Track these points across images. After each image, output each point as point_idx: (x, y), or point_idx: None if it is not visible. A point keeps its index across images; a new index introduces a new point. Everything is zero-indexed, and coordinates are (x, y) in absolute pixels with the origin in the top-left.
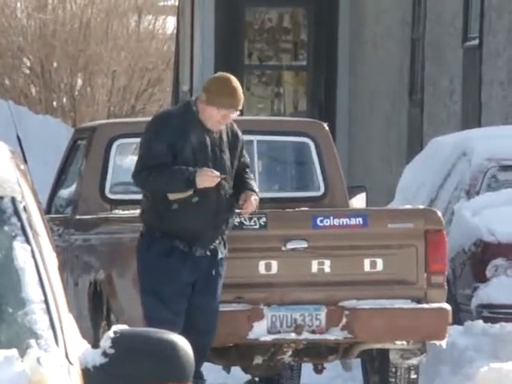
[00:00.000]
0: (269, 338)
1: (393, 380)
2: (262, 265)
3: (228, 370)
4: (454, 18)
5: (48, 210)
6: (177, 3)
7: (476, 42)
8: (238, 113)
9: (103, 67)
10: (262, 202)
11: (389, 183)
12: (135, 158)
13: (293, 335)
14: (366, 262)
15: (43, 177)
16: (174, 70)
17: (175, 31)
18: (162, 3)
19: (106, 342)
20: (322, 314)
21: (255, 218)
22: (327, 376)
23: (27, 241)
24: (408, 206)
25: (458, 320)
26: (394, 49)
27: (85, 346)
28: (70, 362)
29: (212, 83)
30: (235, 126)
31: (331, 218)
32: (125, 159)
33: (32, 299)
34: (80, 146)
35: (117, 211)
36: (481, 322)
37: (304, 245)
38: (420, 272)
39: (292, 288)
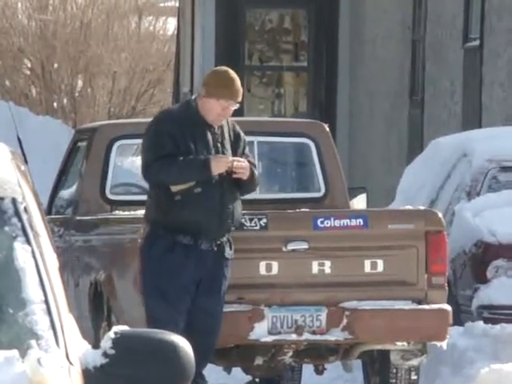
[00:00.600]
0: (269, 338)
1: (393, 381)
2: (262, 266)
3: (229, 371)
4: (454, 19)
5: (49, 211)
6: (177, 4)
7: (476, 42)
8: (238, 105)
9: (104, 68)
10: (263, 202)
11: (389, 184)
12: (136, 159)
13: (293, 336)
14: (367, 263)
15: (44, 178)
16: (175, 71)
17: (176, 32)
18: (162, 4)
19: (106, 342)
20: (323, 314)
21: (256, 219)
22: (328, 377)
23: (28, 241)
24: (408, 207)
25: (458, 321)
26: (395, 50)
27: (85, 346)
28: (71, 363)
29: (210, 76)
30: (237, 127)
31: (332, 219)
32: (125, 160)
33: (32, 300)
34: (80, 147)
35: (117, 212)
36: (481, 322)
37: (304, 246)
38: (420, 273)
39: (293, 289)
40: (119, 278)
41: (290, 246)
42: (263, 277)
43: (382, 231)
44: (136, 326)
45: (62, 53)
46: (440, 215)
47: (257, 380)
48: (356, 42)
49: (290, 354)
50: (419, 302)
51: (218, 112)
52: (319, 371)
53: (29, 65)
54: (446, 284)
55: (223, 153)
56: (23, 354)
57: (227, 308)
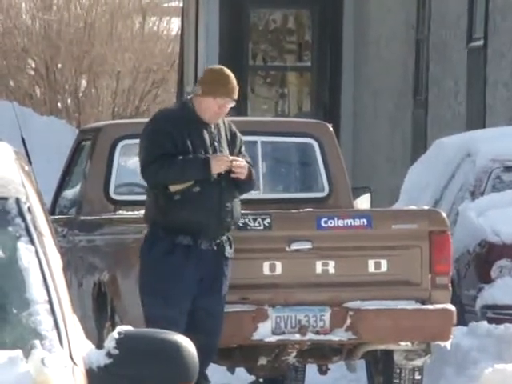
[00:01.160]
0: (273, 338)
1: (397, 381)
2: (266, 266)
3: (232, 371)
4: (458, 19)
5: (52, 211)
6: (181, 4)
7: (481, 42)
8: (234, 103)
9: (108, 68)
10: (267, 202)
11: (393, 184)
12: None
13: (297, 336)
14: (371, 263)
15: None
16: (179, 71)
17: (180, 32)
18: (166, 4)
19: (110, 342)
20: (327, 314)
21: (259, 219)
22: (331, 377)
23: (31, 241)
24: (412, 207)
25: (462, 321)
26: (399, 50)
27: (89, 346)
28: (75, 363)
29: (206, 75)
30: (233, 127)
31: (335, 218)
32: (129, 160)
33: (36, 300)
34: (84, 147)
35: (121, 212)
36: (485, 322)
37: (308, 246)
38: (424, 273)
39: (296, 289)
40: (123, 278)
41: (294, 246)
42: (267, 277)
43: (386, 231)
44: (140, 326)
45: (65, 53)
46: (444, 215)
47: (260, 380)
48: (360, 42)
49: (294, 354)
50: (423, 302)
51: (214, 110)
52: (323, 371)
53: (33, 65)
54: (450, 284)
55: (220, 152)
56: (27, 354)
57: (231, 308)
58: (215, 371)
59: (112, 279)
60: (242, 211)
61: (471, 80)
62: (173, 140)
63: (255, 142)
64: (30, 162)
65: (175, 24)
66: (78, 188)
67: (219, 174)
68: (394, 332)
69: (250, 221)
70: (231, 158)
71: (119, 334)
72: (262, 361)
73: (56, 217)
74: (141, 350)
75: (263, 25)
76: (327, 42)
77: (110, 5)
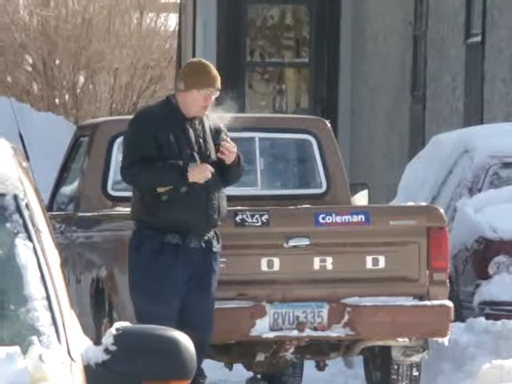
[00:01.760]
0: (271, 334)
1: (395, 377)
2: (264, 262)
3: (230, 367)
4: (456, 15)
5: (50, 208)
6: (179, 0)
7: (478, 38)
8: (218, 93)
9: (105, 64)
10: (265, 199)
11: (391, 180)
12: None
13: (295, 332)
14: (368, 259)
15: (45, 174)
16: (176, 67)
17: (177, 28)
18: (163, 0)
19: (108, 338)
20: (324, 311)
21: (257, 216)
22: (329, 373)
23: (29, 238)
24: (410, 203)
25: (460, 317)
26: (396, 45)
27: (87, 342)
28: (72, 359)
29: (186, 69)
30: (217, 121)
31: (333, 215)
32: None
33: (34, 296)
34: (82, 144)
35: (119, 208)
36: (483, 319)
37: (306, 242)
38: (422, 269)
39: (294, 285)
40: (121, 274)
41: (292, 243)
42: (265, 273)
43: (384, 227)
44: (137, 322)
45: (63, 49)
46: (442, 211)
47: (258, 376)
48: (358, 38)
49: (292, 350)
50: (421, 298)
51: (200, 103)
52: (321, 367)
53: (30, 61)
54: (448, 280)
55: (206, 147)
56: (25, 351)
57: (228, 304)
58: (213, 367)
59: (110, 275)
60: (240, 208)
61: (469, 76)
62: (156, 140)
63: (253, 139)
64: (27, 158)
65: (173, 20)
66: (75, 184)
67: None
68: (392, 328)
69: (247, 217)
70: (210, 168)
71: (117, 330)
72: (260, 357)
73: (54, 213)
74: (139, 347)
75: (261, 21)
76: (325, 38)
77: (107, 1)
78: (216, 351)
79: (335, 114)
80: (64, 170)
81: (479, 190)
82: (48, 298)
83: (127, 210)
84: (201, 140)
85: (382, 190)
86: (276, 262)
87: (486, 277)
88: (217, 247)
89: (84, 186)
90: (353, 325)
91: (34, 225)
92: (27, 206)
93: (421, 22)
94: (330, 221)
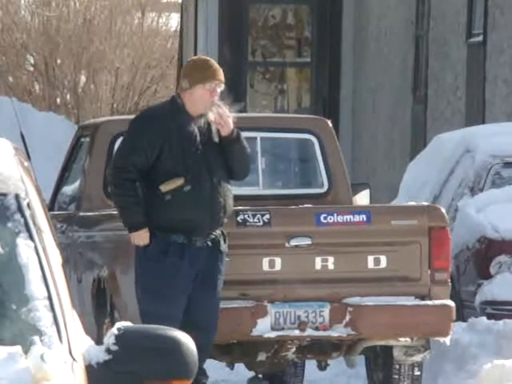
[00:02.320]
0: (272, 334)
1: (396, 377)
2: (265, 262)
3: (231, 367)
4: (457, 15)
5: (51, 207)
6: (180, 0)
7: (480, 38)
8: (223, 87)
9: (107, 64)
10: (266, 198)
11: (392, 180)
12: None
13: (296, 332)
14: (370, 259)
15: (47, 174)
16: (178, 67)
17: (179, 28)
18: (165, 0)
19: (109, 338)
20: (326, 310)
21: (259, 215)
22: (331, 373)
23: (31, 237)
24: (412, 203)
25: (461, 317)
26: (398, 45)
27: (88, 342)
28: (74, 359)
29: (187, 66)
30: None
31: (335, 214)
32: None
33: (36, 296)
34: (83, 143)
35: None
36: (484, 318)
37: (307, 242)
38: (424, 269)
39: (296, 285)
40: (122, 274)
41: (293, 242)
42: (266, 273)
43: (385, 227)
44: (139, 322)
45: (64, 49)
46: (443, 211)
47: (260, 376)
48: (359, 38)
49: (293, 349)
50: (422, 298)
51: (206, 97)
52: (322, 367)
53: (32, 61)
54: (449, 280)
55: (211, 147)
56: (26, 350)
57: (230, 304)
58: (215, 367)
59: (111, 275)
60: (242, 207)
61: (470, 76)
62: (154, 142)
63: (254, 138)
64: (29, 157)
65: (174, 20)
66: (77, 184)
67: (210, 170)
68: (394, 328)
69: (249, 217)
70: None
71: (119, 330)
72: (262, 357)
73: (55, 213)
74: (140, 347)
75: (262, 20)
76: (327, 37)
77: (109, 1)
78: (217, 351)
79: (337, 114)
80: (65, 169)
81: (481, 190)
82: (49, 297)
83: None
84: (205, 139)
85: (384, 190)
86: (277, 261)
87: (488, 276)
88: (224, 247)
89: (85, 185)
90: (354, 324)
91: (35, 224)
92: (29, 205)
93: (422, 22)
94: (331, 220)
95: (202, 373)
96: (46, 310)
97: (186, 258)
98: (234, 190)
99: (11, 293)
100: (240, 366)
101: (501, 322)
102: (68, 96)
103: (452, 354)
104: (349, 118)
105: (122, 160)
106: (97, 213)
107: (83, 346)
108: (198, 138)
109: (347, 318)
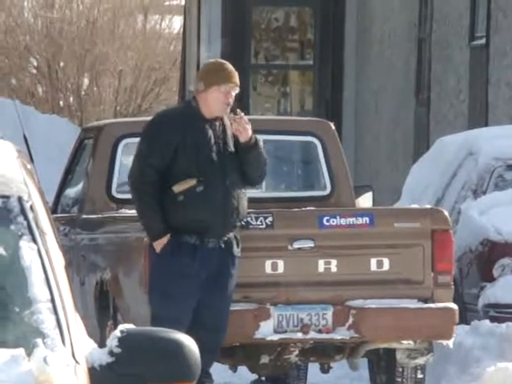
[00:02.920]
0: (275, 337)
1: (399, 379)
2: (268, 264)
3: (234, 370)
4: (460, 17)
5: (54, 210)
6: (183, 2)
7: (483, 41)
8: (238, 90)
9: (110, 67)
10: (269, 201)
11: (395, 183)
12: None
13: (299, 335)
14: (373, 262)
15: (50, 176)
16: (181, 69)
17: (181, 31)
18: (168, 3)
19: (112, 341)
20: (329, 313)
21: (262, 218)
22: (334, 375)
23: (34, 240)
24: (414, 206)
25: (464, 320)
26: (401, 48)
27: (91, 345)
28: (77, 362)
29: (203, 69)
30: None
31: (337, 217)
32: (131, 158)
33: (38, 298)
34: (86, 146)
35: (123, 210)
36: (487, 321)
37: (310, 244)
38: (427, 271)
39: (298, 287)
40: (125, 276)
41: (296, 245)
42: (269, 275)
43: (388, 229)
44: (142, 324)
45: (68, 51)
46: (446, 214)
47: (263, 378)
48: (362, 41)
49: (296, 352)
50: (425, 301)
51: (222, 99)
52: (325, 370)
53: (35, 63)
54: (452, 282)
55: (225, 149)
56: (29, 353)
57: (233, 307)
58: (218, 370)
59: (114, 278)
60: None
61: (473, 78)
62: (168, 145)
63: None
64: (31, 160)
65: (177, 22)
66: (80, 186)
67: (224, 172)
68: (397, 330)
69: (252, 219)
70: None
71: (121, 332)
72: (264, 359)
73: (58, 215)
74: (143, 349)
75: (265, 23)
76: (329, 40)
77: (112, 3)
78: (220, 353)
79: (339, 116)
80: (68, 172)
81: (484, 193)
82: (52, 300)
83: (131, 212)
84: (220, 141)
85: (387, 193)
86: (280, 264)
87: (491, 279)
88: (237, 251)
89: (88, 188)
90: (357, 327)
91: (38, 227)
92: (32, 208)
93: (425, 25)
94: (334, 223)
95: (207, 376)
96: (49, 312)
97: (197, 258)
98: None
99: (14, 295)
100: (243, 369)
101: (504, 325)
102: (71, 98)
103: (455, 356)
104: (351, 120)
105: (140, 163)
106: (100, 215)
107: (86, 349)
108: (213, 140)
109: (350, 320)
